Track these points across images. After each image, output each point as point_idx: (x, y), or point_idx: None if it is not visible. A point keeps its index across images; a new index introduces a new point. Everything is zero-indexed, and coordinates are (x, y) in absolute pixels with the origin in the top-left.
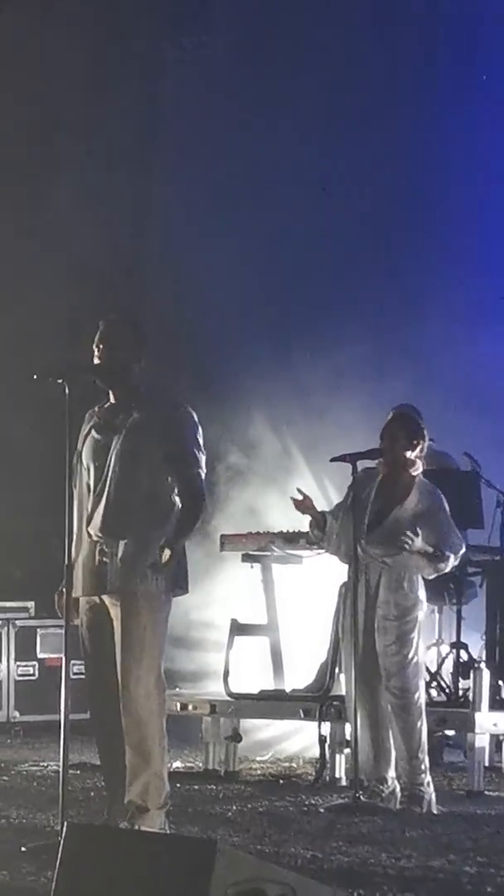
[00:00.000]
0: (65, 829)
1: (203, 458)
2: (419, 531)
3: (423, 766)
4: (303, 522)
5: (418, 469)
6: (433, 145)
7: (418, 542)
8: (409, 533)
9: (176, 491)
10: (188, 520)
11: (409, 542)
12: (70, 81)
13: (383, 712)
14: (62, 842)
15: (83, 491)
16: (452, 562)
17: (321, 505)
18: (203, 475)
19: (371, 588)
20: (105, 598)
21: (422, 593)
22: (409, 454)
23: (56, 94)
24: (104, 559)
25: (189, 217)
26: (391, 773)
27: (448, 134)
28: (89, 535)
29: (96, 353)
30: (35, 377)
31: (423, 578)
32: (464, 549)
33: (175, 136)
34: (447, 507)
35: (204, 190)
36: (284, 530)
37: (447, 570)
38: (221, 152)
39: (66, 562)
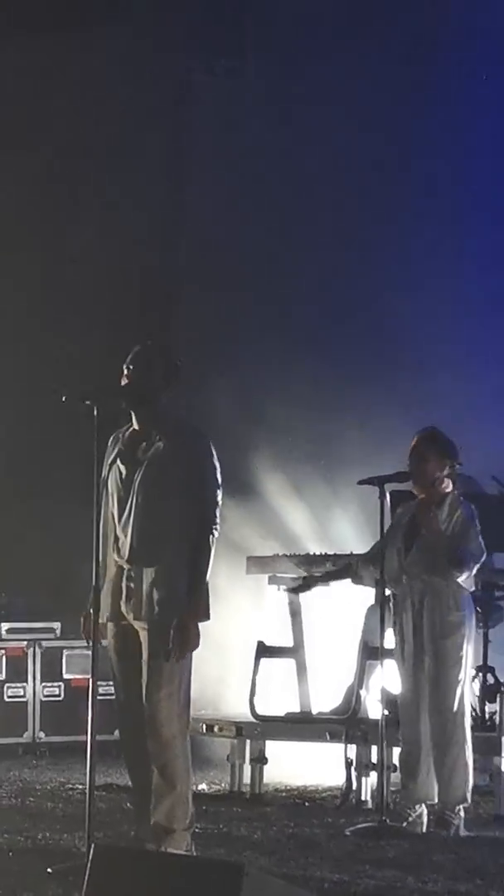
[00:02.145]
0: (92, 850)
1: (219, 492)
2: (450, 542)
3: (460, 793)
4: (328, 545)
5: (449, 487)
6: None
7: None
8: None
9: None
10: (199, 552)
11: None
12: (101, 106)
13: (425, 736)
14: (89, 863)
15: (108, 517)
16: (470, 570)
17: (347, 530)
18: (217, 507)
19: (416, 609)
20: (133, 622)
21: (468, 611)
22: (438, 474)
23: (87, 119)
24: (131, 585)
25: (219, 238)
26: (424, 797)
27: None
28: (116, 562)
29: (125, 373)
30: (63, 399)
31: (471, 597)
32: (483, 558)
33: (205, 159)
34: (476, 520)
35: (234, 213)
36: (311, 553)
37: (464, 577)
38: (252, 177)
39: (94, 583)
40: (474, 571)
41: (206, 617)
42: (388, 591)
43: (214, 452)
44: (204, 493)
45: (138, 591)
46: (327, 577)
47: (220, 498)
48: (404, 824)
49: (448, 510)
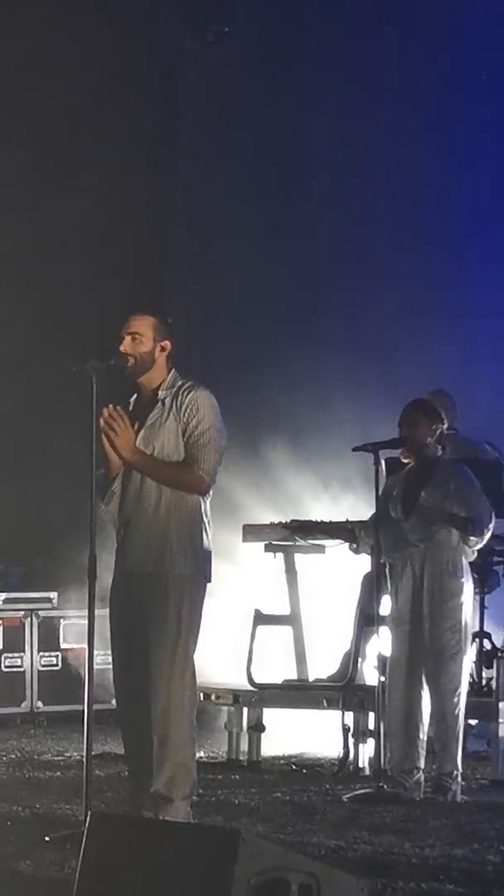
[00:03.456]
0: (88, 818)
1: (221, 436)
2: (452, 508)
3: (455, 758)
4: (325, 513)
5: (438, 451)
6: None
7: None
8: (442, 513)
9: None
10: (175, 468)
11: (445, 521)
12: (90, 77)
13: (419, 703)
14: (86, 831)
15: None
16: (486, 533)
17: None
18: (218, 453)
19: (416, 576)
20: (137, 580)
21: (468, 578)
22: (429, 440)
23: (78, 88)
24: (135, 540)
25: (211, 211)
26: (420, 764)
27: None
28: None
29: (124, 341)
30: (74, 369)
31: (469, 563)
32: (493, 522)
33: (196, 128)
34: (475, 481)
35: (226, 185)
36: (307, 520)
37: (483, 541)
38: (243, 147)
39: (90, 551)
40: (491, 531)
41: (208, 579)
42: (384, 559)
43: (214, 401)
44: (201, 440)
45: (138, 544)
46: (325, 527)
47: (219, 442)
48: (401, 790)
49: (440, 475)
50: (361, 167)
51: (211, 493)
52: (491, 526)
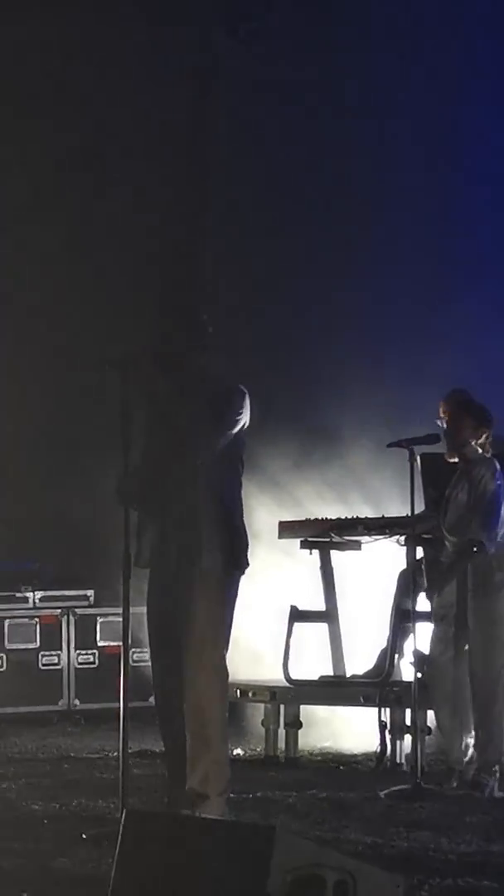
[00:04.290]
0: (124, 815)
1: (233, 428)
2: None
3: (497, 754)
4: (360, 509)
5: (479, 452)
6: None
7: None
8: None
9: (230, 466)
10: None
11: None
12: (126, 76)
13: (463, 699)
14: (122, 828)
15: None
16: (489, 545)
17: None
18: (226, 439)
19: (460, 574)
20: (167, 577)
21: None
22: (473, 442)
23: (111, 91)
24: (164, 537)
25: (246, 207)
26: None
27: None
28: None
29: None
30: (106, 367)
31: None
32: (492, 542)
33: (229, 123)
34: (493, 495)
35: (261, 182)
36: (343, 517)
37: (489, 548)
38: (277, 141)
39: (125, 550)
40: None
41: (245, 566)
42: (419, 556)
43: (247, 400)
44: (219, 423)
45: (153, 540)
46: (374, 522)
47: (231, 431)
48: (443, 786)
49: (476, 474)
50: (402, 152)
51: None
52: (492, 535)
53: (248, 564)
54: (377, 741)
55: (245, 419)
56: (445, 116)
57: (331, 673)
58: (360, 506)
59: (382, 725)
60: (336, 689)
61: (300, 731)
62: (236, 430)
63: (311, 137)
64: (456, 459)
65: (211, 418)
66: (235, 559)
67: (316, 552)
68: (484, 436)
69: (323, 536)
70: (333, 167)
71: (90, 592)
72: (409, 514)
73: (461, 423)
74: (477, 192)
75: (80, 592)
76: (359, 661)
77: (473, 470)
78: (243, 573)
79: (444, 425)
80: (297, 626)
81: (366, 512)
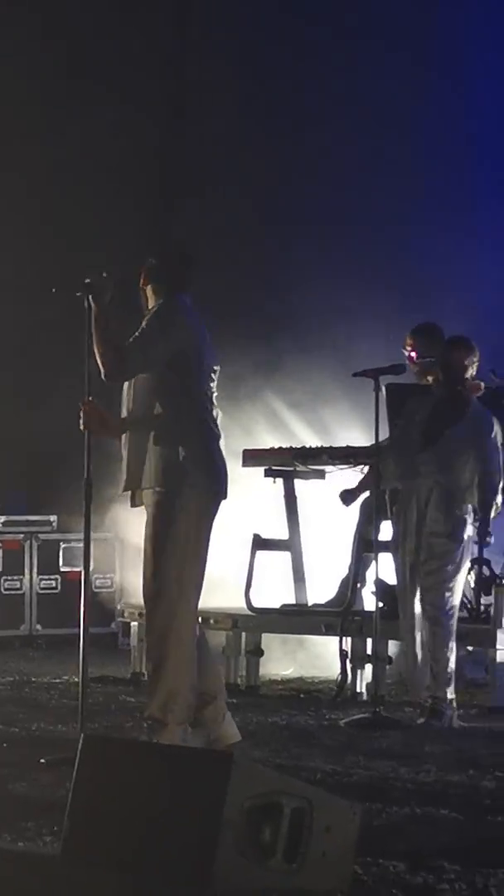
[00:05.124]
0: (82, 740)
1: (151, 341)
2: (469, 454)
3: (447, 684)
4: (324, 438)
5: (471, 392)
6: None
7: (469, 465)
8: (460, 454)
9: (179, 389)
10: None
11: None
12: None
13: (417, 628)
14: (79, 753)
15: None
16: (498, 495)
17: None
18: (142, 351)
19: (421, 505)
20: (136, 500)
21: (470, 517)
22: (470, 373)
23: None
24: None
25: (222, 133)
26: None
27: None
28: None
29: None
30: (53, 290)
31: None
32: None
33: (209, 53)
34: (497, 436)
35: (238, 110)
36: (307, 445)
37: (494, 503)
38: (255, 80)
39: (86, 475)
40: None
41: (217, 493)
42: (385, 486)
43: (178, 306)
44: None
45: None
46: (335, 452)
47: (149, 341)
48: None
49: (472, 419)
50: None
51: (216, 410)
52: (497, 491)
53: (222, 494)
54: (338, 670)
55: (175, 335)
56: None
57: (293, 601)
58: (324, 435)
59: (343, 654)
60: (298, 618)
61: (261, 660)
62: (160, 344)
63: None
64: (430, 380)
65: (135, 336)
66: (167, 481)
67: (280, 481)
68: (475, 364)
69: (287, 465)
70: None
71: (53, 518)
72: (389, 441)
73: (459, 353)
74: None
75: (44, 518)
76: (321, 590)
77: (477, 417)
78: (187, 498)
79: (413, 356)
80: (259, 554)
81: (330, 441)
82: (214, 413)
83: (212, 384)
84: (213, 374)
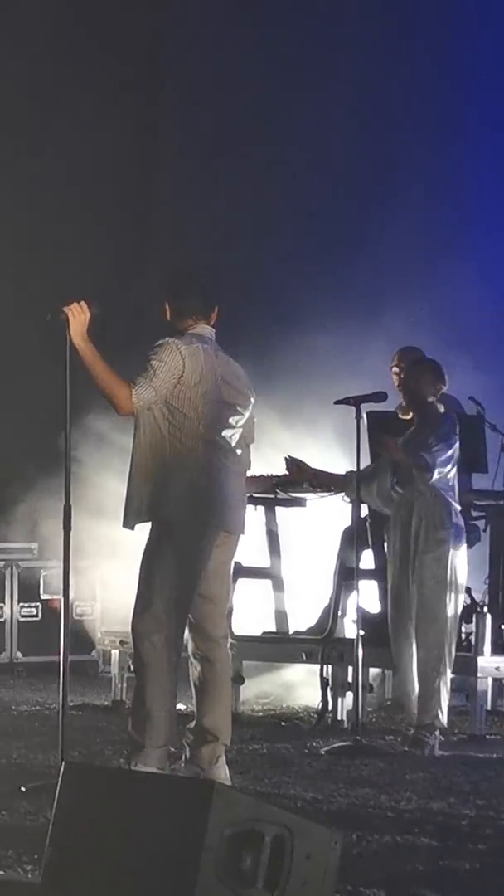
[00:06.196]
0: (63, 768)
1: (153, 374)
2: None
3: (435, 711)
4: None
5: (441, 409)
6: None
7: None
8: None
9: (183, 434)
10: (114, 377)
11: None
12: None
13: (408, 654)
14: (59, 781)
15: None
16: (425, 472)
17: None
18: (146, 385)
19: (404, 528)
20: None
21: (455, 530)
22: (430, 398)
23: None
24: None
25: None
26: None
27: None
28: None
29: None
30: (48, 318)
31: (461, 514)
32: (434, 466)
33: (183, 69)
34: (437, 426)
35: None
36: (288, 473)
37: (429, 477)
38: (229, 88)
39: (65, 502)
40: (434, 473)
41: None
42: (364, 513)
43: (174, 348)
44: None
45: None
46: (326, 477)
47: (150, 379)
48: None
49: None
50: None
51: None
52: (431, 464)
53: (207, 525)
54: (319, 698)
55: (169, 368)
56: None
57: (274, 629)
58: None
59: (324, 682)
60: (279, 646)
61: (242, 687)
62: (156, 377)
63: None
64: (410, 416)
65: (143, 370)
66: (157, 512)
67: (261, 508)
68: (440, 391)
69: (268, 492)
70: None
71: (34, 545)
72: (369, 468)
73: (422, 378)
74: None
75: (25, 545)
76: (302, 618)
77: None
78: (180, 530)
79: (398, 381)
80: (240, 581)
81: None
82: (234, 444)
83: (232, 418)
84: (237, 408)
